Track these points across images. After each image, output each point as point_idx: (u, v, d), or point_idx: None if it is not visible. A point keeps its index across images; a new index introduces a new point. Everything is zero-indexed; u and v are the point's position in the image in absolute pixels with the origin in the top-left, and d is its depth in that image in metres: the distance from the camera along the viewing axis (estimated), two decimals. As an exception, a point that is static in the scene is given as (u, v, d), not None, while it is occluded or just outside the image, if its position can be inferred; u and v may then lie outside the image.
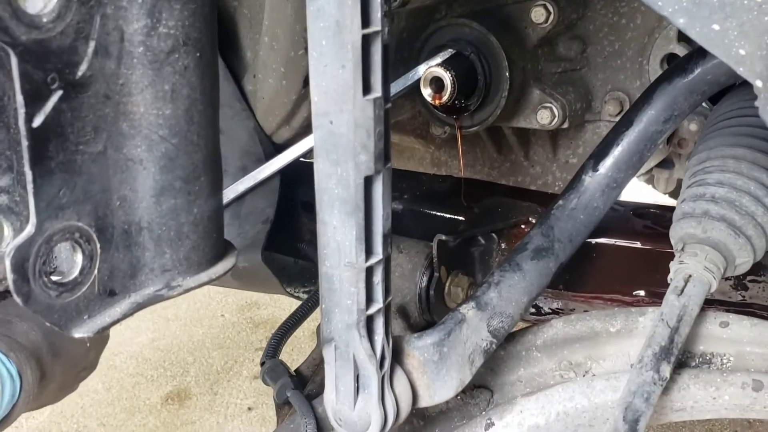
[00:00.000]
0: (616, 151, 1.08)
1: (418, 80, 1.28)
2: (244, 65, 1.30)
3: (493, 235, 1.27)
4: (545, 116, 1.39)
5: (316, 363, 1.23)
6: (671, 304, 0.89)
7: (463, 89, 1.30)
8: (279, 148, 1.40)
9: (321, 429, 1.09)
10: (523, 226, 1.28)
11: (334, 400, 0.87)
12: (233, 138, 1.33)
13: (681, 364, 0.99)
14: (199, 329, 3.06)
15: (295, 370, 1.21)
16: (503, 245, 1.27)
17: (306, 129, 1.35)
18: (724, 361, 0.98)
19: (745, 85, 1.20)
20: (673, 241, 0.99)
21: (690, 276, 0.91)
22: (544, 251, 1.04)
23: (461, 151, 1.44)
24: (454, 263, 1.25)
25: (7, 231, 0.64)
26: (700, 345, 1.00)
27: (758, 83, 0.70)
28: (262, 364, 1.20)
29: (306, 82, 1.29)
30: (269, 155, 1.34)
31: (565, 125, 1.41)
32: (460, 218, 1.27)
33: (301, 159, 1.61)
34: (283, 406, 1.16)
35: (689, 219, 0.95)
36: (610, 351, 1.05)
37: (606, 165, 1.08)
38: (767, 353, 0.96)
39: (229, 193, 1.21)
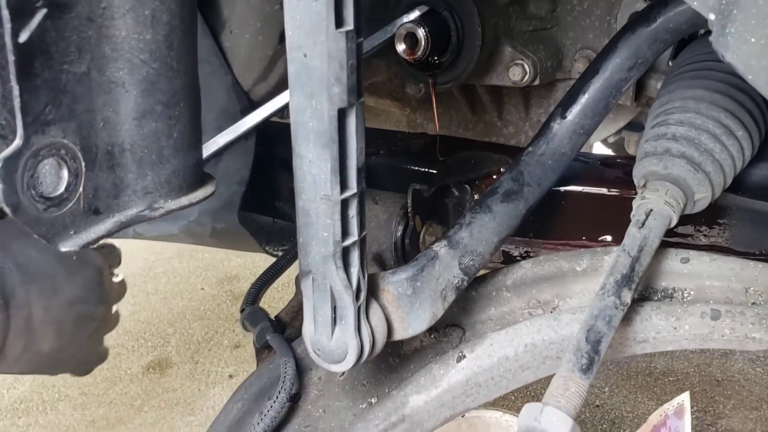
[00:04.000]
0: (583, 99, 1.12)
1: (393, 36, 1.31)
2: (221, 21, 1.32)
3: (466, 186, 1.31)
4: (517, 73, 1.42)
5: (295, 310, 1.27)
6: (632, 236, 0.93)
7: (436, 45, 1.34)
8: (255, 105, 1.42)
9: (300, 369, 1.13)
10: (494, 177, 1.32)
11: (312, 331, 0.90)
12: (211, 94, 1.35)
13: (643, 299, 1.04)
14: (179, 302, 3.08)
15: (275, 317, 1.24)
16: (476, 196, 1.31)
17: (283, 85, 1.37)
18: (685, 295, 1.03)
19: (704, 36, 1.25)
20: (635, 180, 1.03)
21: (651, 210, 0.95)
22: (513, 194, 1.07)
23: (435, 106, 1.48)
24: (428, 213, 1.28)
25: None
26: (662, 281, 1.05)
27: (711, 16, 0.74)
28: (242, 310, 1.24)
29: (282, 38, 1.32)
30: (246, 111, 1.36)
31: (537, 82, 1.44)
32: (435, 171, 1.30)
33: (278, 119, 1.64)
34: (262, 350, 1.20)
35: (651, 157, 0.99)
36: (576, 289, 1.09)
37: (573, 112, 1.12)
38: (725, 286, 1.01)
39: (205, 149, 1.23)
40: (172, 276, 3.31)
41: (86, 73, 0.63)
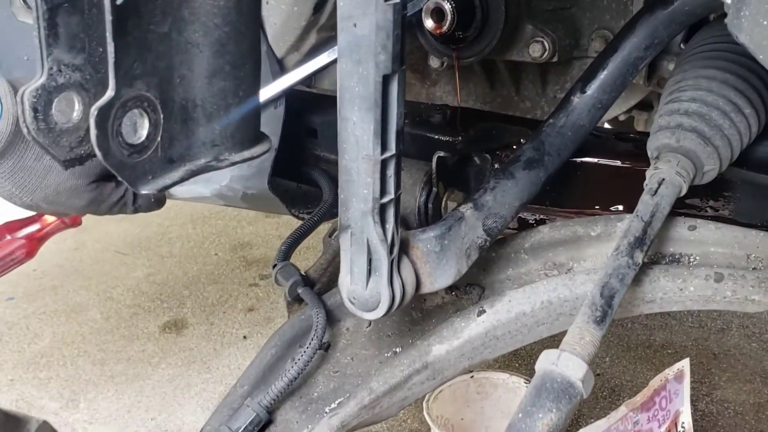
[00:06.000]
0: (602, 75, 1.19)
1: (421, 9, 1.37)
2: (258, -9, 1.38)
3: (487, 156, 1.38)
4: (537, 49, 1.49)
5: (324, 267, 1.34)
6: (645, 202, 1.01)
7: (461, 20, 1.40)
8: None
9: (330, 320, 1.21)
10: (514, 147, 1.39)
11: (348, 281, 0.98)
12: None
13: (652, 263, 1.11)
14: (194, 266, 3.17)
15: (304, 272, 1.32)
16: (496, 165, 1.39)
17: (313, 55, 1.44)
18: (691, 260, 1.11)
19: (715, 21, 1.31)
20: (649, 152, 1.10)
21: (663, 179, 1.03)
22: (534, 162, 1.15)
23: (458, 80, 1.54)
24: (451, 181, 1.36)
25: (78, 105, 0.74)
26: (670, 247, 1.12)
27: (727, 0, 0.81)
28: (274, 266, 1.31)
29: (316, 9, 1.38)
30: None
31: (555, 59, 1.51)
32: (457, 140, 1.37)
33: (306, 89, 1.70)
34: (293, 303, 1.28)
35: (664, 131, 1.07)
36: (590, 252, 1.17)
37: (593, 87, 1.19)
38: (729, 252, 1.09)
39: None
40: (186, 241, 3.39)
41: (167, 34, 0.71)
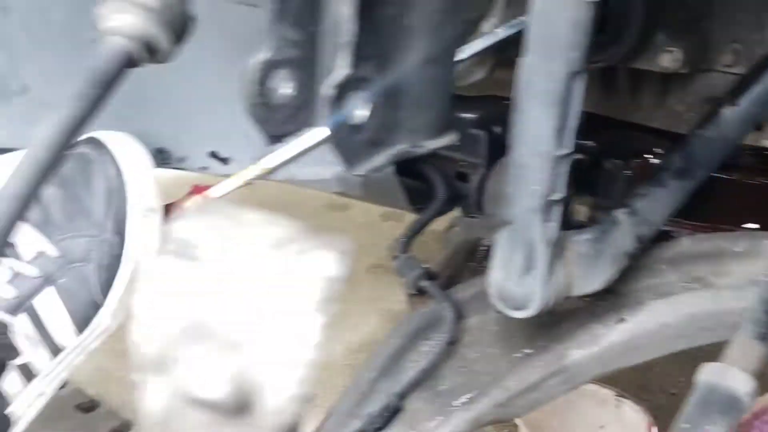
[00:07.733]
0: (756, 88, 1.17)
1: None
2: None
3: (618, 162, 1.37)
4: (667, 59, 1.46)
5: (444, 264, 1.34)
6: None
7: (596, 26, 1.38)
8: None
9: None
10: (645, 156, 1.37)
11: (500, 277, 0.98)
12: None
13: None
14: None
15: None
16: (626, 173, 1.37)
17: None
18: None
19: None
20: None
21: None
22: (684, 173, 1.13)
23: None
24: (581, 183, 1.34)
25: (292, 81, 0.74)
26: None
27: None
28: (395, 257, 1.31)
29: None
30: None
31: (684, 70, 1.48)
32: (591, 144, 1.36)
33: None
34: (413, 296, 1.28)
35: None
36: (732, 269, 1.15)
37: (745, 99, 1.17)
38: None
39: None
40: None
41: (393, 17, 0.71)
